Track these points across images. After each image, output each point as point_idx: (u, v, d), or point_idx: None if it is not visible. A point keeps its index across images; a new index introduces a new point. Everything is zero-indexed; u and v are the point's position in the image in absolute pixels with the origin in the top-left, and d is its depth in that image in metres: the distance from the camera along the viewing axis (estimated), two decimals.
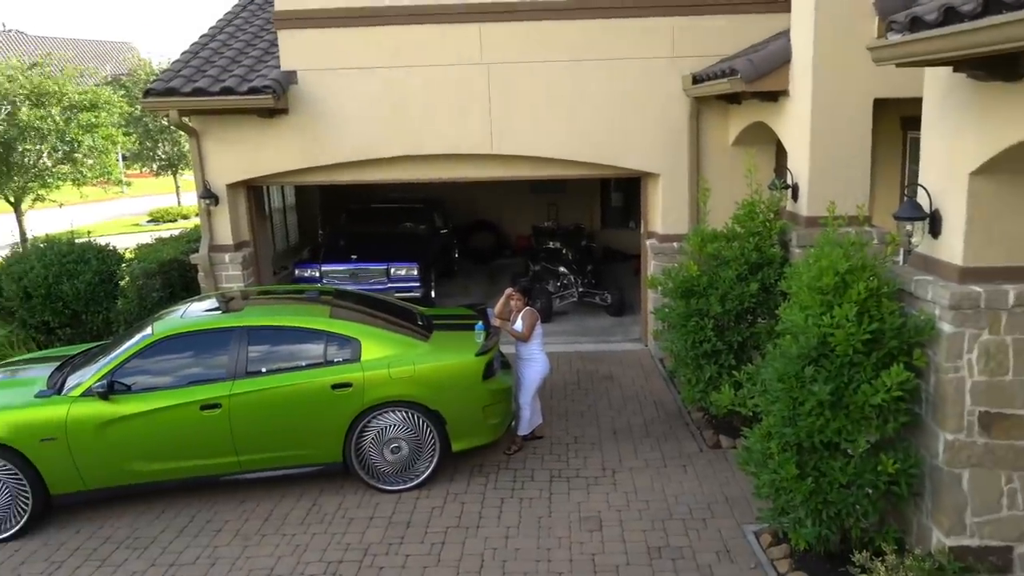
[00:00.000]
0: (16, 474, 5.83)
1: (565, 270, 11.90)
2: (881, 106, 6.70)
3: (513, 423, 7.07)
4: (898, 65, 4.25)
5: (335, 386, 6.15)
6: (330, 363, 6.24)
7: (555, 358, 9.07)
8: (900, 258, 6.70)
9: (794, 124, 7.02)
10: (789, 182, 7.09)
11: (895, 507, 5.01)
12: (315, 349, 6.29)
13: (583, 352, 10.01)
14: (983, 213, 4.40)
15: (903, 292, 4.86)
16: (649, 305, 9.62)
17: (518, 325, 6.94)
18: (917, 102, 4.95)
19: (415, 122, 9.19)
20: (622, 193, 16.29)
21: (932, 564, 4.58)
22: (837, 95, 6.54)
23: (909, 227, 4.79)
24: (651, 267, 9.59)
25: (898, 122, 7.99)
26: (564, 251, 12.49)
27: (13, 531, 5.90)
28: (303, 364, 6.23)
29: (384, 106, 9.16)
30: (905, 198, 4.86)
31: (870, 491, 4.81)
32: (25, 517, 5.90)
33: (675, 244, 9.15)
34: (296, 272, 11.43)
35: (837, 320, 4.60)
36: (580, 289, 11.63)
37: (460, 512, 6.05)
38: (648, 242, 9.81)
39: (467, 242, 16.04)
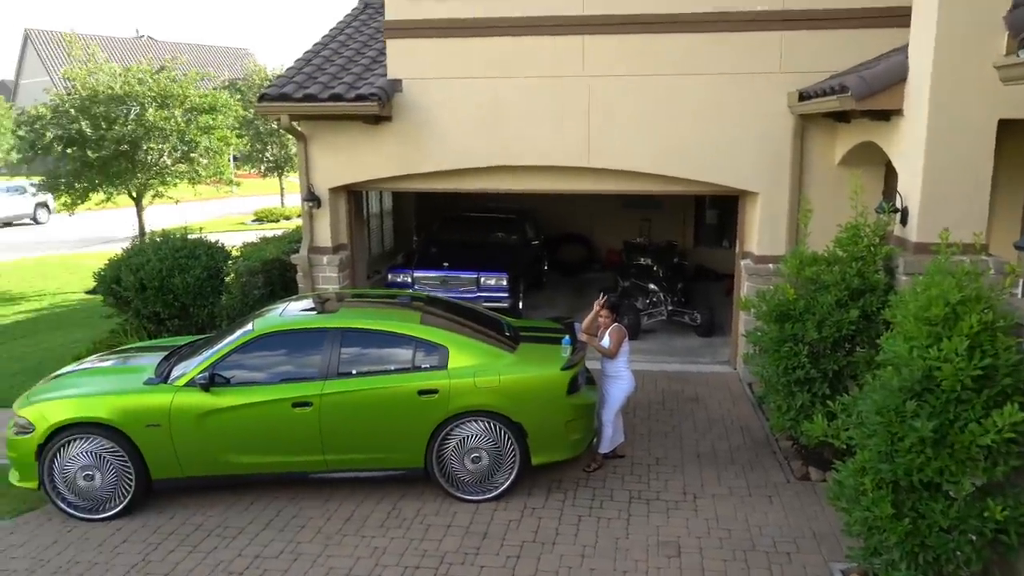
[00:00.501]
0: (123, 456, 6.19)
1: (655, 287, 11.72)
2: (1005, 127, 6.28)
3: (595, 440, 6.98)
4: None
5: (421, 392, 6.23)
6: (418, 369, 6.34)
7: (640, 376, 8.92)
8: (1020, 290, 6.27)
9: (907, 145, 6.68)
10: (899, 205, 6.76)
11: (1002, 557, 4.65)
12: (404, 354, 6.40)
13: (669, 372, 9.82)
14: None
15: (1022, 327, 4.54)
16: (741, 327, 9.34)
17: (605, 341, 6.87)
18: None
19: (512, 133, 9.28)
20: (717, 211, 15.96)
21: None
22: (957, 115, 6.18)
23: None
24: (744, 288, 9.35)
25: None
26: (655, 268, 12.30)
27: (116, 510, 6.27)
28: (392, 368, 6.36)
29: (484, 116, 9.29)
30: None
31: (974, 537, 4.49)
32: (128, 498, 6.26)
33: (771, 266, 8.88)
34: (389, 277, 11.67)
35: (945, 353, 4.33)
36: (669, 307, 11.42)
37: (537, 527, 6.02)
38: (743, 262, 9.55)
39: (557, 254, 16.02)
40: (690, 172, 9.16)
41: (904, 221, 6.73)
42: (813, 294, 6.65)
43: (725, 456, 7.28)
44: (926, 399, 4.48)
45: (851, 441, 5.05)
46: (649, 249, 13.24)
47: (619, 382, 6.90)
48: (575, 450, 6.60)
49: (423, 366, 6.35)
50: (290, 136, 10.46)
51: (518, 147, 9.31)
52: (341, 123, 9.42)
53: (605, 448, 7.02)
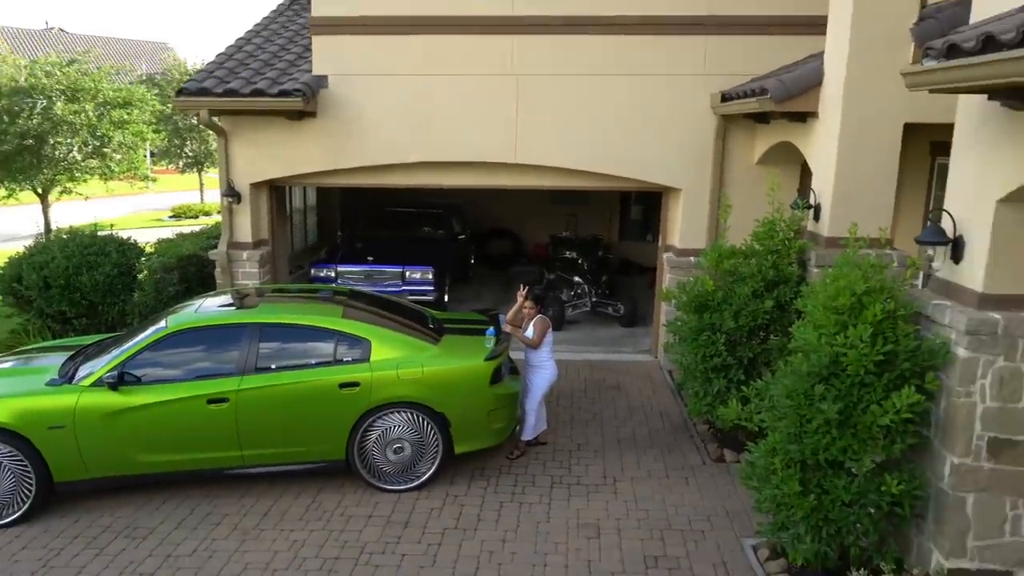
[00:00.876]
0: (22, 460, 5.87)
1: (579, 279, 11.88)
2: (910, 131, 6.66)
3: (517, 428, 7.03)
4: (932, 91, 4.23)
5: (343, 385, 6.15)
6: (340, 362, 6.25)
7: (564, 366, 9.04)
8: (920, 282, 6.62)
9: (821, 145, 6.99)
10: (812, 202, 7.06)
11: (896, 528, 4.94)
12: (325, 348, 6.30)
13: (592, 361, 9.96)
14: (1007, 241, 4.37)
15: (920, 316, 4.81)
16: (662, 318, 9.57)
17: (529, 332, 6.93)
18: (948, 128, 4.91)
19: (440, 129, 9.25)
20: (642, 207, 16.28)
21: None
22: (867, 118, 6.52)
23: (931, 251, 4.80)
24: (667, 280, 9.57)
25: (927, 147, 7.90)
26: (580, 261, 12.48)
27: (15, 516, 5.93)
28: (312, 362, 6.24)
29: (411, 112, 9.21)
30: (928, 222, 4.82)
31: (872, 511, 4.75)
32: (28, 503, 5.94)
33: (692, 258, 9.11)
34: (312, 272, 11.48)
35: (851, 340, 4.57)
36: (593, 299, 11.60)
37: (459, 514, 6.02)
38: (665, 255, 9.79)
39: (485, 248, 16.07)
40: (615, 169, 9.31)
41: (817, 217, 7.03)
42: (731, 285, 6.89)
43: (645, 441, 7.43)
44: (832, 383, 4.71)
45: (763, 424, 5.27)
46: (574, 243, 13.41)
47: (542, 371, 6.97)
48: (498, 438, 6.63)
49: (345, 359, 6.27)
50: (210, 132, 10.15)
51: (445, 143, 9.28)
52: (264, 119, 9.20)
53: (528, 435, 7.07)
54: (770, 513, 5.08)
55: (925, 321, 4.77)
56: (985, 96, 4.18)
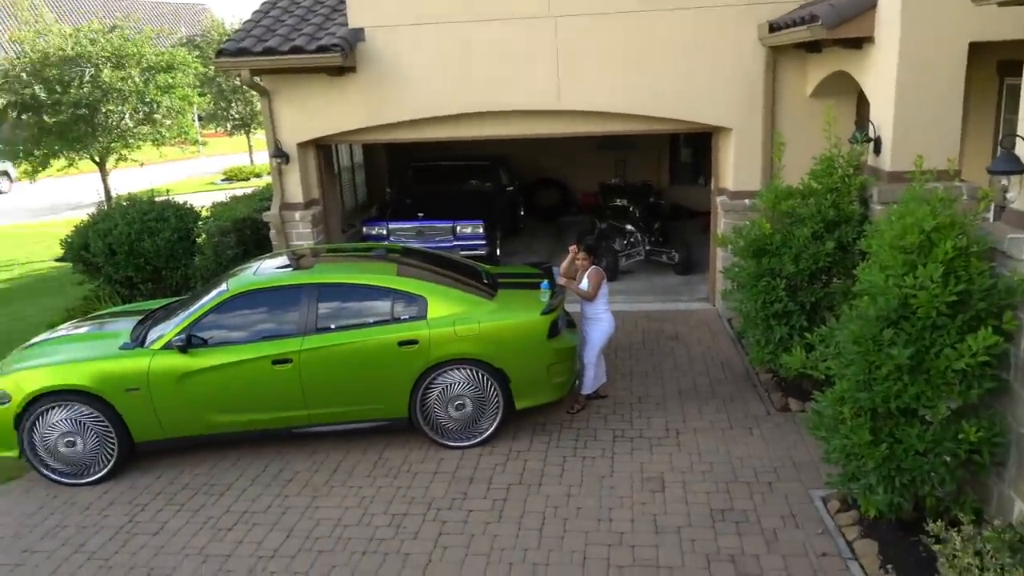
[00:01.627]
0: (103, 421, 6.14)
1: (632, 228, 11.72)
2: (975, 51, 6.25)
3: (577, 382, 7.04)
4: (1001, 4, 3.92)
5: (402, 343, 6.22)
6: (397, 320, 6.32)
7: (620, 317, 8.95)
8: (991, 215, 6.32)
9: (879, 72, 6.65)
10: (871, 135, 6.79)
11: (975, 476, 4.78)
12: (382, 306, 6.37)
13: (649, 311, 9.88)
14: None
15: (995, 251, 4.58)
16: (718, 264, 9.41)
17: (584, 284, 6.87)
18: (1017, 45, 4.58)
19: (480, 78, 9.12)
20: (691, 149, 15.86)
21: (1013, 536, 4.36)
22: (928, 40, 6.15)
23: (1004, 181, 4.57)
24: (721, 225, 9.39)
25: (994, 68, 7.46)
26: (631, 208, 12.26)
27: (101, 474, 6.24)
28: (371, 321, 6.32)
29: (449, 62, 9.09)
30: (1000, 150, 4.54)
31: (948, 459, 4.61)
32: (112, 462, 6.24)
33: (746, 201, 8.91)
34: (364, 230, 11.55)
35: (921, 281, 4.37)
36: (647, 247, 11.45)
37: (522, 469, 6.09)
38: (718, 199, 9.57)
39: (533, 199, 15.91)
40: (662, 110, 9.07)
41: (877, 150, 6.74)
42: (789, 228, 6.67)
43: (706, 391, 7.38)
44: (902, 327, 4.54)
45: (829, 371, 5.13)
46: (624, 190, 13.18)
47: (599, 324, 6.93)
48: (558, 393, 6.65)
49: (402, 317, 6.33)
50: (254, 92, 10.20)
51: (486, 92, 9.14)
52: (304, 76, 9.18)
53: (588, 389, 7.08)
54: (839, 464, 4.99)
55: (1001, 257, 4.55)
56: None
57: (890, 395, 4.57)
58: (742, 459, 6.11)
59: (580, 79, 9.03)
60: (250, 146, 29.80)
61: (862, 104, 7.96)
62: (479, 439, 6.46)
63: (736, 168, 9.16)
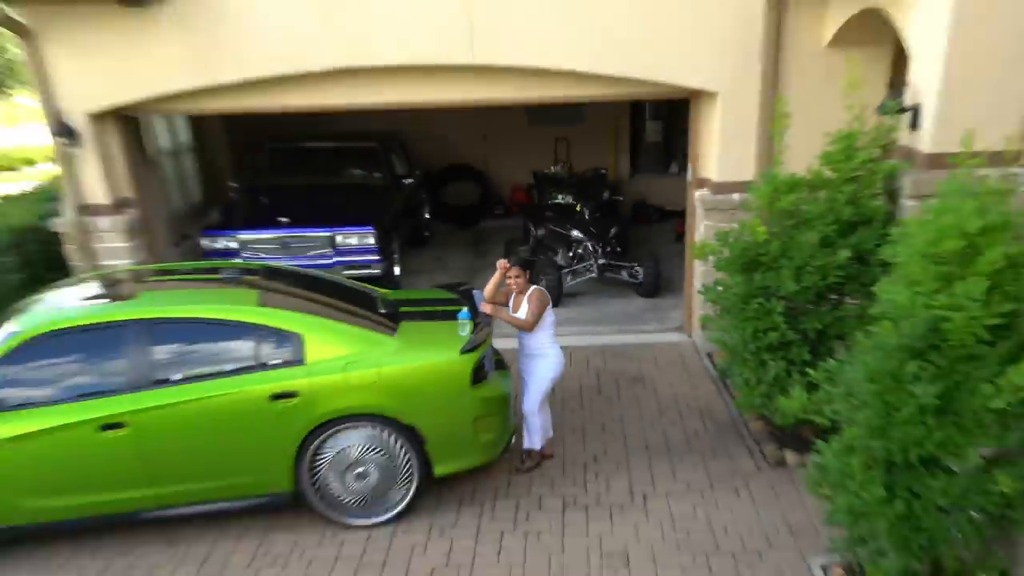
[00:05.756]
0: None
1: (579, 234, 12.10)
2: None
3: (513, 439, 7.51)
4: None
5: (275, 396, 6.56)
6: (264, 366, 6.64)
7: (568, 353, 9.25)
8: None
9: (926, 12, 6.69)
10: (908, 102, 6.91)
11: (1006, 535, 5.32)
12: (243, 348, 6.66)
13: (605, 346, 10.40)
14: None
15: None
16: (696, 282, 9.84)
17: (521, 312, 7.26)
18: None
19: (361, 17, 8.96)
20: (661, 124, 16.26)
21: None
22: None
23: None
24: (701, 229, 9.72)
25: None
26: (578, 208, 12.65)
27: None
28: (227, 369, 6.62)
29: None
30: None
31: (976, 515, 5.10)
32: None
33: (735, 196, 9.21)
34: (204, 243, 11.56)
35: (957, 300, 4.58)
36: (601, 261, 11.84)
37: (448, 549, 6.59)
38: (698, 193, 9.87)
39: (441, 196, 16.14)
40: (620, 67, 9.08)
41: (915, 124, 6.90)
42: (791, 232, 7.05)
43: (681, 446, 8.02)
44: (930, 358, 4.84)
45: (836, 416, 5.51)
46: (568, 182, 13.55)
47: (543, 361, 7.38)
48: (489, 454, 7.16)
49: (272, 362, 6.66)
50: (6, 32, 9.53)
51: (369, 37, 8.98)
52: (89, 8, 8.85)
53: (537, 443, 7.62)
54: (845, 525, 5.50)
55: None
56: None
57: (910, 443, 4.98)
58: (726, 526, 6.75)
59: (503, 21, 8.91)
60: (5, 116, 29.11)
61: (899, 59, 8.14)
62: (390, 515, 6.94)
63: (722, 150, 9.35)
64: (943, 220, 4.75)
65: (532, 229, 13.12)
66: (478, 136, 16.37)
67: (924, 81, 6.80)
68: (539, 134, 16.24)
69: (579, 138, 16.34)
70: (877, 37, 8.41)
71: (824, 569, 6.19)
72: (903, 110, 6.99)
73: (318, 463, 6.81)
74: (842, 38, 8.64)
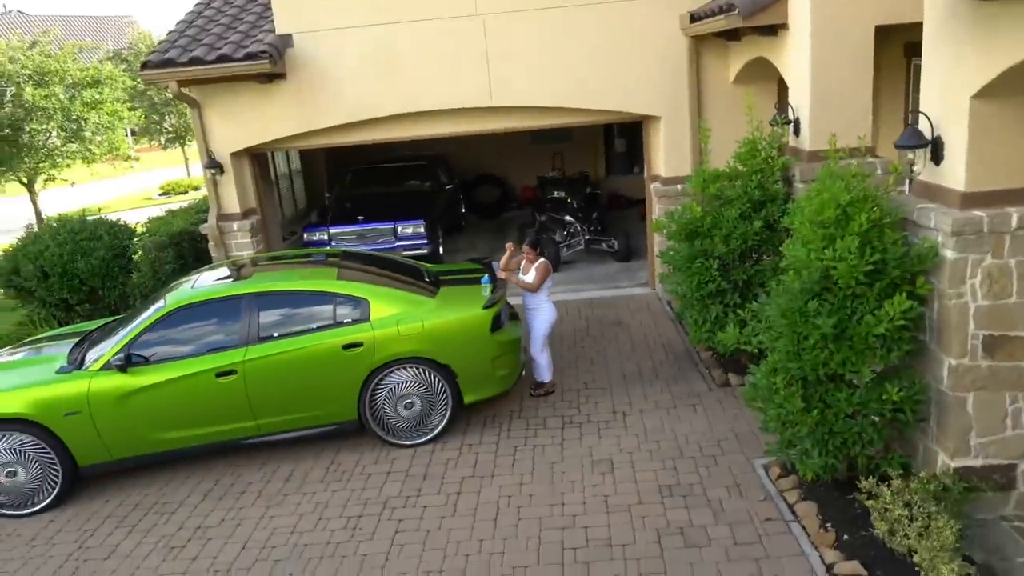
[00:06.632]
0: (44, 448, 5.94)
1: (571, 218, 11.84)
2: (883, 33, 6.53)
3: (523, 373, 7.07)
4: None
5: (346, 346, 6.17)
6: (340, 324, 6.26)
7: (564, 306, 9.09)
8: (906, 187, 6.57)
9: (794, 57, 6.88)
10: (791, 117, 7.00)
11: (901, 434, 5.00)
12: (325, 311, 6.30)
13: (592, 299, 9.99)
14: (984, 137, 4.29)
15: (906, 221, 4.78)
16: (655, 249, 9.55)
17: (529, 276, 6.94)
18: (921, 27, 4.77)
19: (411, 79, 9.06)
20: (626, 139, 16.04)
21: (937, 486, 4.60)
22: (837, 24, 6.41)
23: (911, 155, 4.73)
24: (656, 211, 9.54)
25: (901, 49, 7.75)
26: (569, 200, 12.38)
27: (46, 503, 6.04)
28: (314, 327, 6.25)
29: (379, 64, 9.01)
30: (907, 126, 4.73)
31: (876, 419, 4.80)
32: (56, 489, 6.03)
33: (678, 186, 9.08)
34: (305, 236, 11.40)
35: (839, 253, 4.55)
36: (587, 236, 11.60)
37: (475, 462, 6.12)
38: (652, 186, 9.71)
39: (473, 196, 15.91)
40: (592, 102, 9.17)
41: (797, 132, 6.96)
42: (719, 209, 6.83)
43: (650, 373, 7.52)
44: (825, 298, 4.71)
45: (762, 345, 5.29)
46: (562, 182, 13.29)
47: (540, 313, 7.01)
48: (503, 385, 6.69)
49: (345, 320, 6.28)
50: (185, 104, 9.99)
51: (418, 92, 9.10)
52: (234, 85, 8.99)
53: (546, 376, 7.17)
54: (776, 432, 5.16)
55: (911, 226, 4.75)
56: None
57: (818, 363, 4.74)
58: (687, 436, 6.24)
59: (510, 75, 9.04)
60: (186, 159, 29.06)
61: (782, 88, 8.18)
62: (430, 436, 6.46)
63: (667, 155, 9.32)
64: (823, 196, 4.74)
65: (537, 216, 12.87)
66: (497, 153, 16.11)
67: (799, 103, 6.94)
68: (540, 150, 16.03)
69: (569, 151, 16.17)
70: (766, 76, 8.47)
71: (765, 468, 5.69)
72: (788, 122, 7.09)
73: (377, 396, 6.36)
74: (742, 77, 8.88)
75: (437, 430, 6.47)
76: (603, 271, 11.19)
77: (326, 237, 11.24)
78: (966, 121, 4.27)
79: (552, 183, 13.47)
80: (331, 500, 5.77)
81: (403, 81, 9.06)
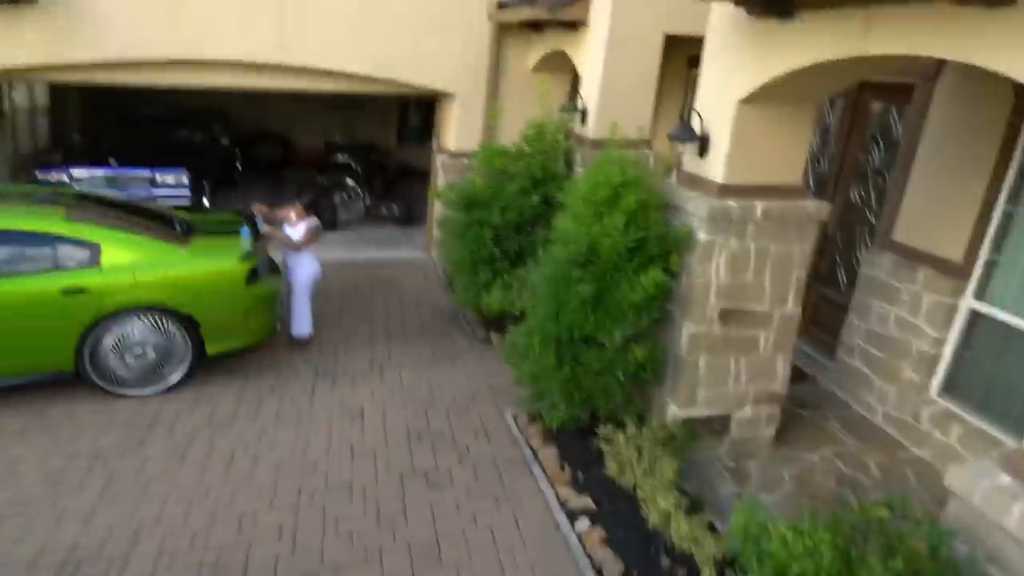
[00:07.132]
0: None
1: (352, 183, 11.67)
2: (672, 46, 7.10)
3: (279, 327, 6.74)
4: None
5: (66, 291, 5.47)
6: (61, 268, 5.53)
7: (338, 265, 8.85)
8: (673, 177, 7.10)
9: (590, 53, 7.28)
10: (580, 107, 7.38)
11: (640, 389, 5.39)
12: (43, 253, 5.53)
13: (368, 259, 9.84)
14: (744, 136, 4.72)
15: (669, 206, 5.13)
16: (435, 216, 9.57)
17: (296, 233, 6.65)
18: (700, 42, 5.16)
19: (194, 22, 8.06)
20: (421, 114, 16.08)
21: (666, 433, 5.03)
22: (632, 28, 6.90)
23: (681, 147, 5.07)
24: (441, 181, 9.51)
25: (685, 60, 8.36)
26: (353, 165, 12.29)
27: None
28: (27, 269, 5.48)
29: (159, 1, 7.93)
30: (680, 121, 5.06)
31: (621, 377, 5.11)
32: None
33: (465, 160, 9.16)
34: (40, 176, 10.01)
35: (606, 229, 4.80)
36: (367, 202, 11.51)
37: (212, 412, 5.67)
38: (439, 157, 9.74)
39: (252, 153, 15.22)
40: (389, 72, 8.88)
41: (584, 120, 7.35)
42: (501, 184, 6.99)
43: (415, 330, 7.48)
44: (589, 268, 4.95)
45: (524, 308, 5.47)
46: (348, 147, 13.25)
47: (302, 268, 6.77)
48: (256, 337, 6.29)
49: (68, 265, 5.55)
50: None
51: (201, 38, 8.10)
52: None
53: (305, 329, 6.92)
54: (529, 386, 5.36)
55: (673, 210, 5.11)
56: (732, 3, 4.37)
57: (575, 325, 4.98)
58: (443, 387, 6.27)
59: (307, 35, 8.43)
60: None
61: (576, 80, 8.43)
62: (163, 386, 5.91)
63: (458, 130, 9.38)
64: (598, 177, 4.98)
65: (319, 179, 12.38)
66: (285, 112, 15.54)
67: (589, 95, 7.38)
68: (332, 115, 15.72)
69: (362, 120, 15.98)
70: (562, 67, 8.79)
71: (514, 417, 5.87)
72: (576, 110, 7.50)
73: (100, 346, 5.69)
74: (541, 66, 9.15)
75: (172, 381, 5.93)
76: (383, 235, 11.11)
77: (66, 179, 9.99)
78: (731, 121, 4.68)
79: (337, 147, 13.41)
80: (27, 455, 4.99)
81: (185, 23, 8.02)
